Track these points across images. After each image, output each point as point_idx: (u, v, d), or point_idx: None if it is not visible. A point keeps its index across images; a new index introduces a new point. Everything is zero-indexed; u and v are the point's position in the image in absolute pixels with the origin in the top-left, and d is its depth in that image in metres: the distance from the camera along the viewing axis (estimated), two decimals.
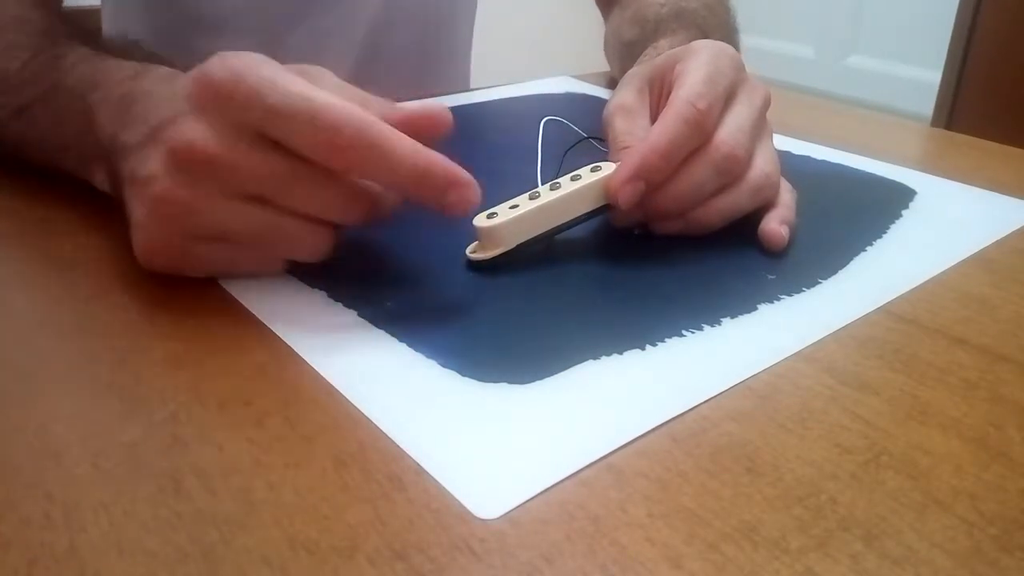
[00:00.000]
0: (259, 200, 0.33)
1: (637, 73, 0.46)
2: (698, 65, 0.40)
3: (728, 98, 0.40)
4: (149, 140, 0.33)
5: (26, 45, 0.45)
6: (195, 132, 0.31)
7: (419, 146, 0.32)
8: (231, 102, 0.31)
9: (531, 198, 0.37)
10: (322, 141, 0.31)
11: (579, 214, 0.38)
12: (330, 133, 0.30)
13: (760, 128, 0.41)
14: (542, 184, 0.38)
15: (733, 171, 0.39)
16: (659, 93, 0.43)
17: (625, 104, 0.43)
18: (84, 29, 0.48)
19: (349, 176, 0.33)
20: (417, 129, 0.33)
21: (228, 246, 0.34)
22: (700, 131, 0.38)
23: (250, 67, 0.31)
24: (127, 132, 0.35)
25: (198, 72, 0.32)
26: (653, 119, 0.42)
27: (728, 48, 0.42)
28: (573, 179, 0.38)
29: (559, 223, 0.38)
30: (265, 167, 0.32)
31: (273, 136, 0.31)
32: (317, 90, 0.31)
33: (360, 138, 0.30)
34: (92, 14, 0.76)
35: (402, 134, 0.31)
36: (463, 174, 0.32)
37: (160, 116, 0.33)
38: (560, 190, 0.37)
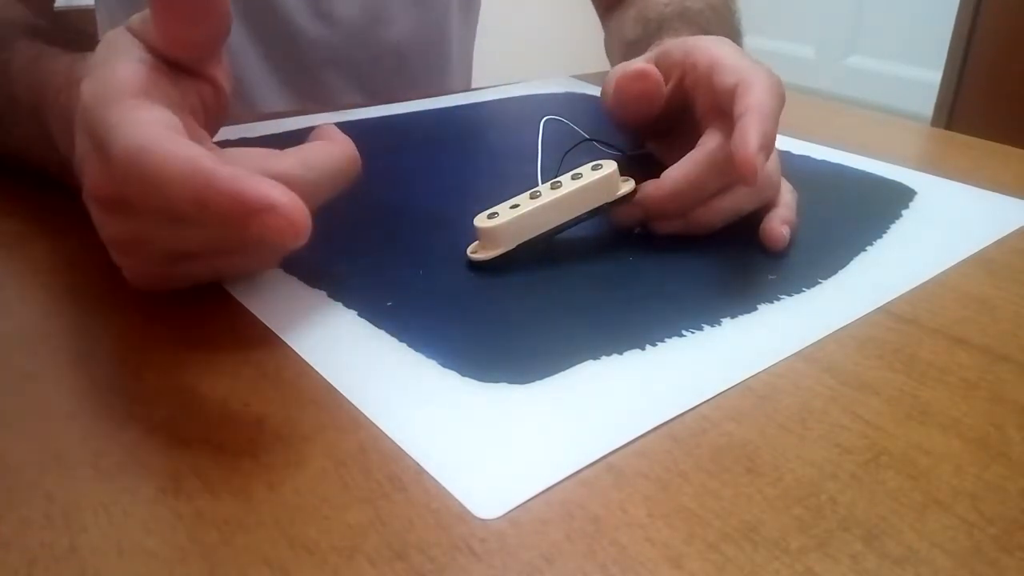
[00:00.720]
0: None
1: (643, 56, 0.47)
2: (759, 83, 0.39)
3: None
4: (81, 174, 0.32)
5: None
6: (95, 172, 0.30)
7: (207, 168, 0.25)
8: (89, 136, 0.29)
9: (532, 197, 0.37)
10: (110, 176, 0.28)
11: (580, 213, 0.38)
12: (110, 166, 0.27)
13: None
14: (542, 183, 0.38)
15: (733, 174, 0.39)
16: (666, 75, 0.44)
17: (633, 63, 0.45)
18: (46, 19, 0.47)
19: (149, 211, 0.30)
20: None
21: (203, 259, 0.33)
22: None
23: (93, 88, 0.29)
24: (74, 156, 0.33)
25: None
26: None
27: (735, 45, 0.42)
28: (574, 178, 0.38)
29: (560, 223, 0.38)
30: None
31: None
32: (120, 105, 0.28)
33: (127, 165, 0.27)
34: (89, 15, 0.76)
35: (191, 154, 0.26)
36: (258, 197, 0.25)
37: (79, 150, 0.31)
38: (561, 189, 0.37)
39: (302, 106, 0.70)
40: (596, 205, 0.38)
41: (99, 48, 0.31)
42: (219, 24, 0.31)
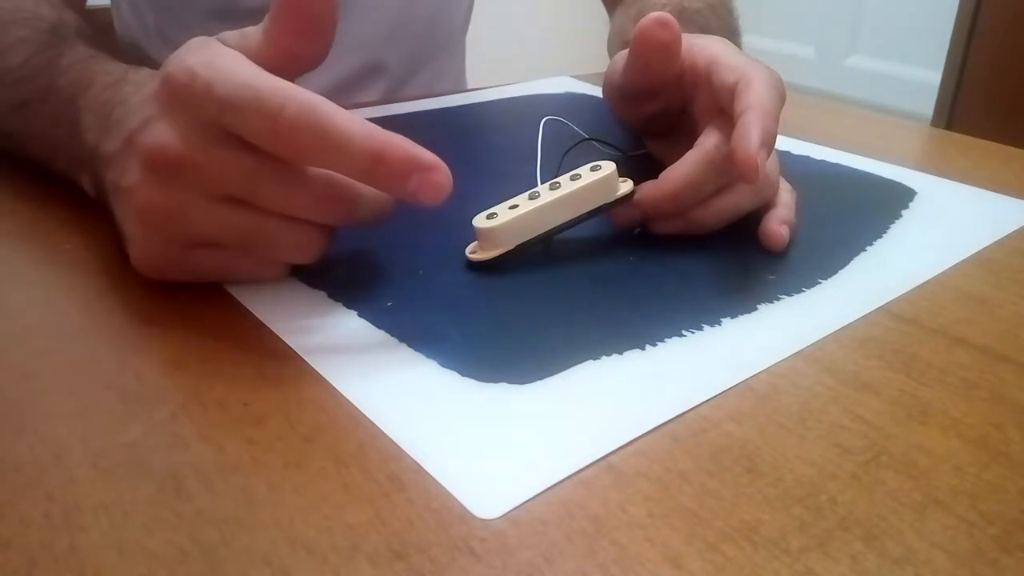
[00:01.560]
0: (237, 201, 0.32)
1: None
2: (758, 80, 0.38)
3: None
4: (126, 147, 0.32)
5: (31, 40, 0.45)
6: (163, 135, 0.31)
7: (374, 127, 0.29)
8: (190, 100, 0.30)
9: (531, 198, 0.37)
10: (266, 127, 0.29)
11: (579, 214, 0.38)
12: (271, 117, 0.28)
13: None
14: (541, 184, 0.38)
15: (733, 172, 0.39)
16: None
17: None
18: (93, 28, 0.48)
19: (303, 164, 0.31)
20: None
21: (220, 252, 0.33)
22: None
23: (206, 60, 0.30)
24: (107, 141, 0.34)
25: (163, 71, 0.31)
26: None
27: (733, 44, 0.42)
28: (573, 179, 0.38)
29: (559, 223, 0.38)
30: (232, 166, 0.31)
31: (231, 130, 0.30)
32: (266, 75, 0.29)
33: (302, 120, 0.28)
34: (101, 13, 0.76)
35: (353, 115, 0.29)
36: (427, 156, 0.29)
37: (134, 121, 0.32)
38: (560, 190, 0.37)
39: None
40: (595, 206, 0.38)
41: (185, 46, 0.32)
42: (324, 47, 0.32)
